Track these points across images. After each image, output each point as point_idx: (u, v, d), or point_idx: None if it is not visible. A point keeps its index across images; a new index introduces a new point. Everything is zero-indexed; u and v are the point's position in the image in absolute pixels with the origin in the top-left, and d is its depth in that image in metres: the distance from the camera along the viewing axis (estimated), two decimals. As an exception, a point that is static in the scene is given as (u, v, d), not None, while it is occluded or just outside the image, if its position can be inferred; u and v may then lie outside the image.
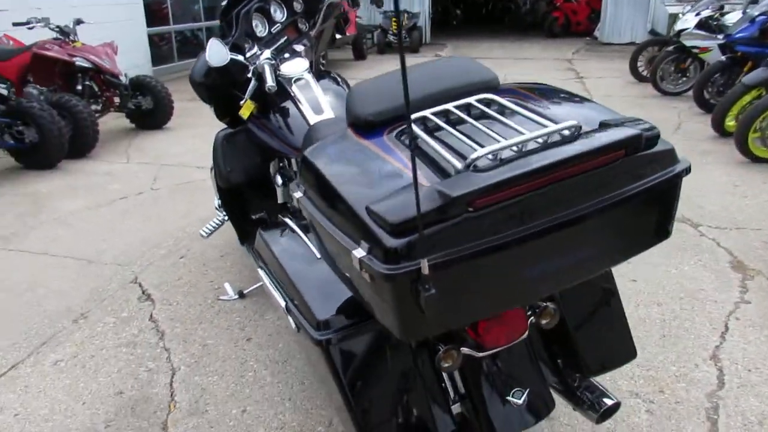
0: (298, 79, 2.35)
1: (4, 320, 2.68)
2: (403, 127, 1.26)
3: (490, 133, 1.14)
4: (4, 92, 5.20)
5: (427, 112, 1.25)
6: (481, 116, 1.23)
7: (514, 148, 1.06)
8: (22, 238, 3.59)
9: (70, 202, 4.15)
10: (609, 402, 1.54)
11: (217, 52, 2.17)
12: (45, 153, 4.74)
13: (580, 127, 1.09)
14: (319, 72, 2.52)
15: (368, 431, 1.34)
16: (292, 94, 2.30)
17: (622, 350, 1.59)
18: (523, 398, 1.42)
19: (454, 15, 17.17)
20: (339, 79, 2.54)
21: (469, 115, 1.24)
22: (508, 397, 1.42)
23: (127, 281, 2.99)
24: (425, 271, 0.95)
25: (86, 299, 2.83)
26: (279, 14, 2.58)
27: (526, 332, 1.39)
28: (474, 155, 1.03)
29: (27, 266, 3.21)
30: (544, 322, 1.45)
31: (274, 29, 2.51)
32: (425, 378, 1.43)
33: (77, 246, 3.44)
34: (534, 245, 1.05)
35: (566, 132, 1.08)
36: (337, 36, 9.29)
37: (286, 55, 2.47)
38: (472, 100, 1.28)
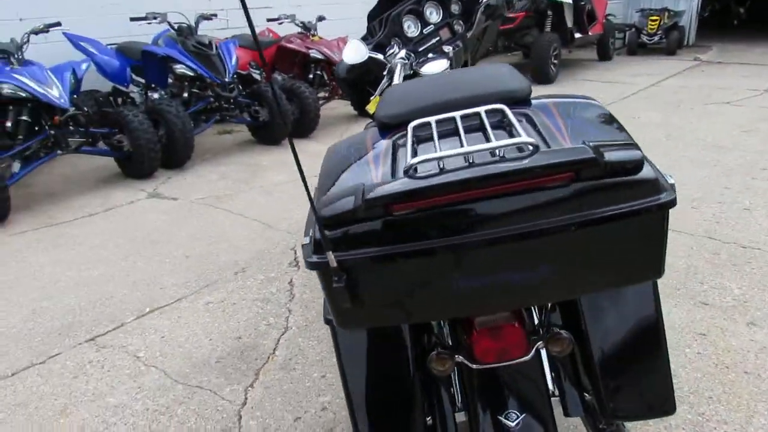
0: None
1: (186, 264, 3.28)
2: (404, 131, 1.29)
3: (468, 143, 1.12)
4: (258, 77, 6.18)
5: (432, 119, 1.26)
6: (479, 128, 1.21)
7: (464, 159, 1.04)
8: (231, 199, 4.29)
9: (278, 175, 4.80)
10: None
11: (355, 50, 2.36)
12: (272, 131, 5.53)
13: (537, 146, 1.02)
14: None
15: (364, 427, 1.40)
16: None
17: (658, 400, 1.38)
18: (516, 422, 1.35)
19: (736, 13, 15.02)
20: None
21: (470, 125, 1.23)
22: (501, 417, 1.36)
23: (287, 248, 3.41)
24: (332, 264, 1.01)
25: (251, 257, 3.31)
26: (434, 16, 2.67)
27: (527, 355, 1.32)
28: (412, 161, 1.04)
29: (223, 222, 3.85)
30: (555, 349, 1.35)
31: (427, 30, 2.62)
32: (430, 383, 1.44)
33: (266, 212, 3.99)
34: (465, 257, 1.02)
35: (528, 148, 1.02)
36: (576, 35, 8.92)
37: (430, 56, 2.56)
38: (481, 110, 1.25)
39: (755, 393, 1.99)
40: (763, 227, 3.26)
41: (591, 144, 1.02)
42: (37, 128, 4.26)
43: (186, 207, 4.15)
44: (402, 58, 2.42)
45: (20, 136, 4.14)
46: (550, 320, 1.40)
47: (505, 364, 1.32)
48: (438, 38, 2.64)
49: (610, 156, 0.99)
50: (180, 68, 5.11)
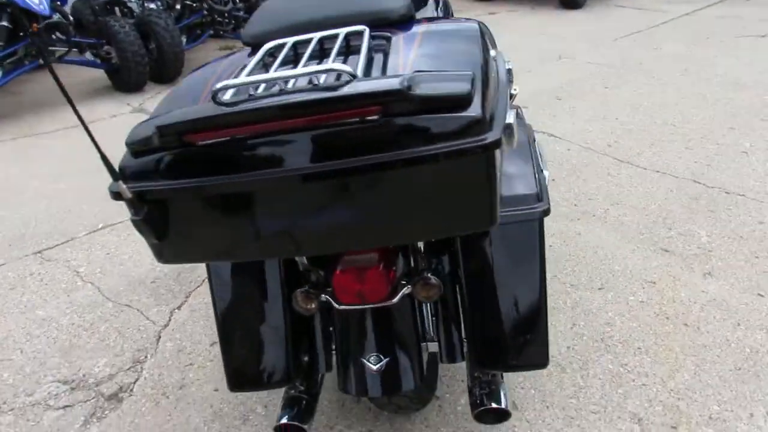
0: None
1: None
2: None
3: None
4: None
5: (290, 39, 1.13)
6: (338, 52, 1.08)
7: (283, 85, 0.92)
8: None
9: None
10: (492, 405, 1.29)
11: None
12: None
13: (354, 75, 0.88)
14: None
15: (234, 363, 1.35)
16: None
17: (530, 352, 1.29)
18: (378, 366, 1.28)
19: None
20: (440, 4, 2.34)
21: (330, 48, 1.09)
22: (363, 359, 1.29)
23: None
24: (125, 194, 0.93)
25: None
26: None
27: (391, 299, 1.23)
28: (217, 86, 0.92)
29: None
30: (421, 294, 1.26)
31: None
32: (306, 321, 1.38)
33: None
34: (269, 195, 0.92)
35: (344, 77, 0.89)
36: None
37: None
38: (342, 31, 1.11)
39: (688, 347, 1.88)
40: (756, 172, 3.03)
41: (416, 75, 0.89)
42: (21, 35, 4.18)
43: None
44: None
45: (0, 43, 4.08)
46: (424, 264, 1.30)
47: (368, 306, 1.25)
48: None
49: (425, 89, 0.85)
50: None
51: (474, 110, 0.87)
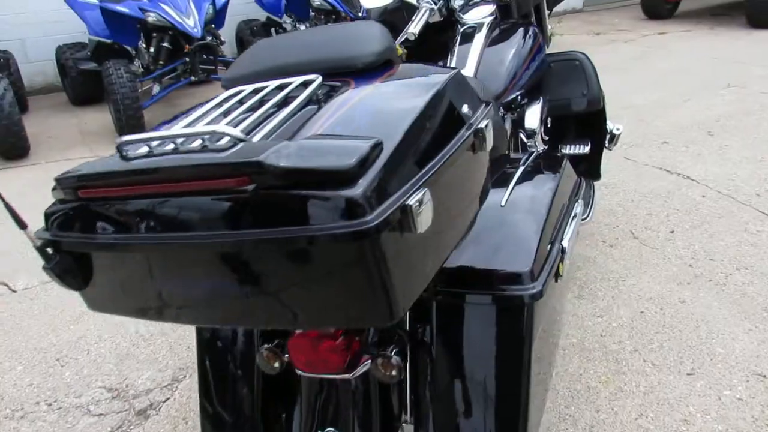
0: (470, 27, 2.08)
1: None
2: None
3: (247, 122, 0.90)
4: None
5: (247, 87, 1.05)
6: (282, 103, 0.97)
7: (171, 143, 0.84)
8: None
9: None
10: None
11: None
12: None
13: (241, 139, 0.78)
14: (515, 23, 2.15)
15: (208, 419, 1.31)
16: (452, 43, 2.06)
17: None
18: (333, 440, 1.15)
19: None
20: (529, 35, 2.11)
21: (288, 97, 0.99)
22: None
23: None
24: (33, 242, 0.91)
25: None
26: None
27: (350, 372, 1.09)
28: (120, 140, 0.87)
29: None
30: (378, 372, 1.10)
31: None
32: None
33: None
34: (152, 260, 0.85)
35: (225, 139, 0.79)
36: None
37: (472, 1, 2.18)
38: (295, 81, 1.00)
39: None
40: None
41: (300, 143, 0.76)
42: (178, 55, 4.63)
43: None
44: (428, 1, 2.08)
45: (161, 62, 4.55)
46: (398, 337, 1.14)
47: (327, 376, 1.12)
48: None
49: (298, 160, 0.72)
50: (317, 1, 5.13)
51: (352, 189, 0.71)
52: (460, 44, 2.01)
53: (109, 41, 4.73)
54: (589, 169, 2.37)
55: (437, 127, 0.90)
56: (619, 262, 2.41)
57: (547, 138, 2.16)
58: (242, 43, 6.00)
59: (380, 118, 0.86)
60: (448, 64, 1.97)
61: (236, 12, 6.25)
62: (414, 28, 1.99)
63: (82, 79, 5.20)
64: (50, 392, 1.99)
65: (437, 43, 2.10)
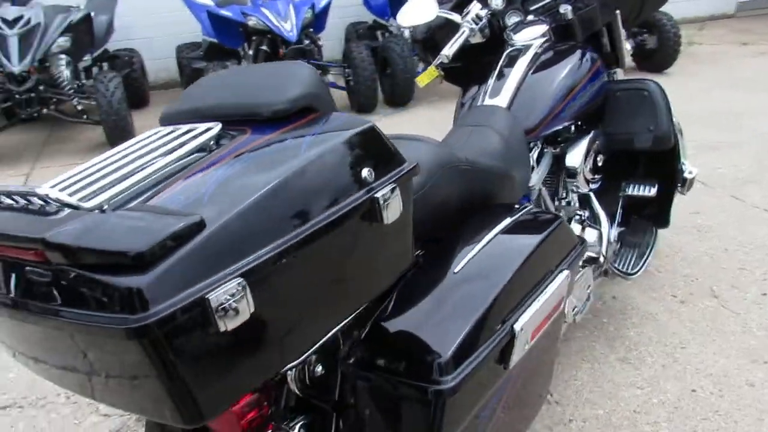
0: (516, 50, 1.88)
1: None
2: None
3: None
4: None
5: (163, 130, 0.98)
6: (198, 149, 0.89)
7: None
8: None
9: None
10: None
11: (415, 7, 1.94)
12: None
13: (46, 201, 0.70)
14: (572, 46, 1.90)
15: None
16: (495, 65, 1.87)
17: None
18: None
19: None
20: (584, 59, 1.86)
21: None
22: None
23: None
24: None
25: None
26: None
27: None
28: None
29: None
30: None
31: None
32: None
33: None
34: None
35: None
36: None
37: (530, 18, 1.96)
38: (199, 128, 0.90)
39: None
40: None
41: (105, 215, 0.68)
42: (274, 58, 4.74)
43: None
44: (471, 19, 1.89)
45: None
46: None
47: None
48: None
49: (82, 240, 0.63)
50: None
51: (136, 278, 0.61)
52: (502, 68, 1.82)
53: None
54: (655, 214, 2.06)
55: (307, 195, 0.77)
56: (684, 324, 2.08)
57: (597, 177, 1.89)
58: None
59: (230, 187, 0.75)
60: (484, 91, 1.79)
61: (346, 14, 6.31)
62: (448, 50, 1.83)
63: (195, 77, 5.50)
64: (72, 386, 2.09)
65: (482, 65, 1.91)
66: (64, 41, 4.25)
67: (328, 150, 0.81)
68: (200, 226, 0.65)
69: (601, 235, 1.88)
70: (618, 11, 2.05)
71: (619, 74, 2.23)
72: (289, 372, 0.94)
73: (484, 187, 1.32)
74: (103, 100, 4.09)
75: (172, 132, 0.91)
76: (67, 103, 4.39)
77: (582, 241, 1.30)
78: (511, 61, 1.83)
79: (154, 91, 6.07)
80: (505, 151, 1.51)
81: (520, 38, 1.90)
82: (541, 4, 2.00)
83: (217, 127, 0.88)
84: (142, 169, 0.79)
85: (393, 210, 0.85)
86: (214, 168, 0.79)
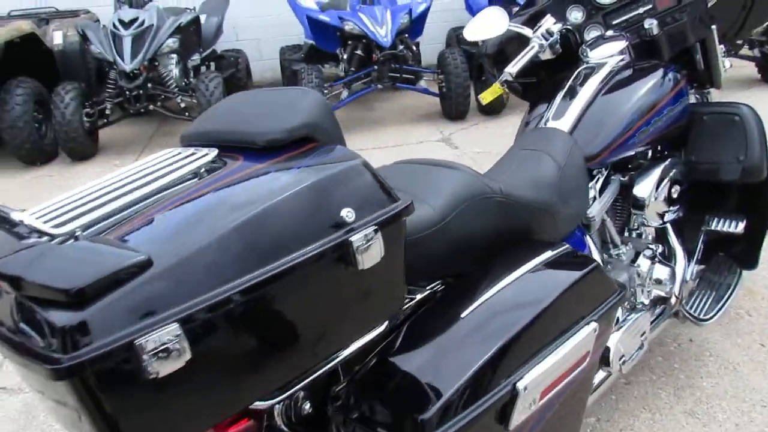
0: (589, 68, 1.74)
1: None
2: None
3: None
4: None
5: (184, 152, 0.99)
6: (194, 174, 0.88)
7: None
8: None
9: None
10: None
11: (485, 21, 1.85)
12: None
13: (41, 232, 0.73)
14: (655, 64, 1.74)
15: None
16: (565, 84, 1.74)
17: None
18: None
19: None
20: (665, 79, 1.69)
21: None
22: None
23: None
24: None
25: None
26: None
27: None
28: None
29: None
30: None
31: None
32: None
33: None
34: None
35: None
36: None
37: (609, 33, 1.80)
38: (199, 152, 0.89)
39: None
40: None
41: (79, 244, 0.68)
42: (368, 63, 4.77)
43: (453, 158, 4.10)
44: (541, 35, 1.76)
45: (352, 68, 4.74)
46: None
47: None
48: (650, 6, 1.81)
49: (28, 272, 0.64)
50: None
51: (67, 315, 0.61)
52: (571, 87, 1.69)
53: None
54: (741, 253, 1.84)
55: (270, 238, 0.73)
56: (770, 379, 1.85)
57: (672, 208, 1.71)
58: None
59: (193, 223, 0.73)
60: (548, 111, 1.67)
61: (449, 18, 6.25)
62: (512, 67, 1.73)
63: (293, 79, 5.66)
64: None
65: (555, 82, 1.79)
66: (172, 42, 4.52)
67: (306, 187, 0.77)
68: (146, 265, 0.64)
69: (673, 272, 1.71)
70: (714, 27, 1.85)
71: (714, 95, 2.02)
72: (276, 406, 0.92)
73: (520, 222, 1.23)
74: (202, 98, 4.31)
75: (177, 155, 0.91)
76: (172, 100, 4.66)
77: (622, 289, 1.17)
78: (582, 80, 1.70)
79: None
80: (557, 181, 1.40)
81: (595, 55, 1.76)
82: (624, 17, 1.84)
83: (212, 154, 0.87)
84: (128, 195, 0.79)
85: (371, 254, 0.80)
86: (191, 200, 0.78)
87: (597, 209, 1.59)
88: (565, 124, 1.59)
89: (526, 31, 1.81)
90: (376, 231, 0.80)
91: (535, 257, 1.10)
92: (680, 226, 1.87)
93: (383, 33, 4.52)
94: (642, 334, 1.48)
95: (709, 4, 1.81)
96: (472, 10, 5.67)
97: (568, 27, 1.82)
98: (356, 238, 0.78)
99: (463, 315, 0.97)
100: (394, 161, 1.33)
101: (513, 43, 1.91)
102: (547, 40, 1.76)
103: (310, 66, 4.60)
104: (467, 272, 1.12)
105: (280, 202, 0.75)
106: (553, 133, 1.57)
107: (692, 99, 2.06)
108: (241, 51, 6.05)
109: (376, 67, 4.69)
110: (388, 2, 4.89)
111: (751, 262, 1.82)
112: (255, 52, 6.40)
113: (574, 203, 1.43)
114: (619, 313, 1.51)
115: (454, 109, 4.76)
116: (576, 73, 1.73)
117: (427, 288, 1.10)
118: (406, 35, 4.81)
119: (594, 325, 1.04)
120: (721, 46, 1.94)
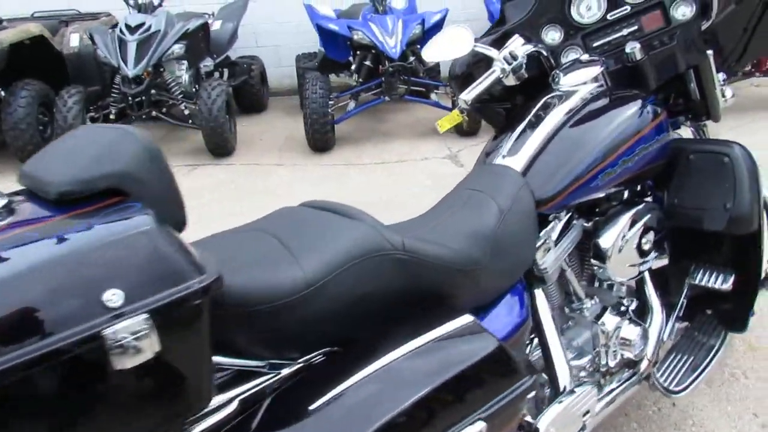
0: (555, 97, 1.55)
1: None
2: None
3: None
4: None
5: None
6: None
7: None
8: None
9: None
10: None
11: (447, 40, 1.66)
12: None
13: None
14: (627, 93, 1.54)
15: None
16: (527, 114, 1.55)
17: None
18: None
19: None
20: (642, 113, 1.48)
21: None
22: None
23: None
24: None
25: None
26: None
27: None
28: None
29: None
30: None
31: (614, 15, 1.62)
32: None
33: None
34: None
35: None
36: None
37: (584, 58, 1.60)
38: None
39: None
40: None
41: None
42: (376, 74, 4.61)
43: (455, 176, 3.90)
44: (504, 58, 1.56)
45: (360, 79, 4.59)
46: None
47: None
48: (635, 27, 1.60)
49: None
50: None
51: None
52: (532, 118, 1.50)
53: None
54: (728, 313, 1.61)
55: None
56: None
57: (643, 261, 1.50)
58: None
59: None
60: (503, 145, 1.48)
61: (471, 29, 6.03)
62: (467, 94, 1.55)
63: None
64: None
65: (523, 110, 1.60)
66: (179, 48, 4.46)
67: (63, 259, 0.62)
68: None
69: (645, 331, 1.49)
70: (710, 52, 1.63)
71: (711, 130, 1.79)
72: None
73: (427, 281, 1.05)
74: (203, 106, 4.22)
75: None
76: (177, 106, 4.60)
77: (531, 375, 0.98)
78: (548, 110, 1.51)
79: (277, 97, 6.24)
80: (493, 232, 1.22)
81: (567, 81, 1.56)
82: (606, 39, 1.64)
83: (2, 201, 0.73)
84: None
85: (141, 349, 0.64)
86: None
87: (551, 259, 1.39)
88: (518, 162, 1.40)
89: (492, 53, 1.62)
90: (147, 320, 0.63)
91: (425, 331, 0.92)
92: (665, 276, 1.65)
93: (392, 44, 4.36)
94: (585, 414, 1.27)
95: (704, 27, 1.60)
96: (494, 20, 5.47)
97: (541, 49, 1.63)
98: (112, 330, 0.62)
99: (316, 406, 0.80)
100: (300, 203, 1.17)
101: (482, 66, 1.73)
102: (510, 64, 1.56)
103: (315, 75, 4.47)
104: (350, 343, 0.95)
105: (18, 276, 0.60)
106: (504, 171, 1.39)
107: (687, 132, 1.84)
108: (257, 57, 5.97)
109: (383, 78, 4.53)
110: (401, 12, 4.74)
111: (739, 325, 1.58)
112: (274, 58, 6.32)
113: (511, 256, 1.24)
114: (567, 382, 1.31)
115: (465, 125, 4.56)
116: (543, 101, 1.54)
117: (300, 360, 0.94)
118: (418, 46, 4.63)
119: (481, 425, 0.85)
120: (720, 73, 1.71)
